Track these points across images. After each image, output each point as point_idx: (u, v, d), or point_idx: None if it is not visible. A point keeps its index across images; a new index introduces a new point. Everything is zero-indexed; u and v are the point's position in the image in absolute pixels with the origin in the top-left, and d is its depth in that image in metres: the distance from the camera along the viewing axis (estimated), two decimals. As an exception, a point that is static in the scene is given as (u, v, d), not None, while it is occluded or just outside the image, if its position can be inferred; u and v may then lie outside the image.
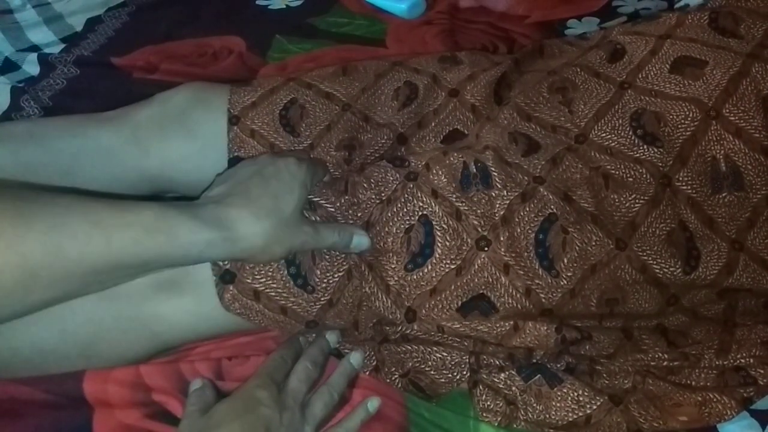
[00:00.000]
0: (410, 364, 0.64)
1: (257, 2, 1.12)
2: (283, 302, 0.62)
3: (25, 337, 0.60)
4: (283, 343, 0.64)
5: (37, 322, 0.60)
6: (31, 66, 0.97)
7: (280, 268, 0.62)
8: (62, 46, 1.01)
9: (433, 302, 0.63)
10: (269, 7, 1.11)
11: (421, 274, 0.62)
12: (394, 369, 0.64)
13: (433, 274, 0.62)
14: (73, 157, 0.70)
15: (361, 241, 0.62)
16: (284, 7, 1.11)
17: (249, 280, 0.61)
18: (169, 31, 1.05)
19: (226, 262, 0.61)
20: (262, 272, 0.62)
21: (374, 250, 0.63)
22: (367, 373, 0.64)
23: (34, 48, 1.01)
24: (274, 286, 0.62)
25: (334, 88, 0.76)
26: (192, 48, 1.01)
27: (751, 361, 0.64)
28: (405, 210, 0.63)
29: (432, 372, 0.64)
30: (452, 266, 0.62)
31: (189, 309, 0.62)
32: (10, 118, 0.88)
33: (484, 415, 0.61)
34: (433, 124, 0.73)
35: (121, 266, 0.51)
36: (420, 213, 0.63)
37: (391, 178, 0.65)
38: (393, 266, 0.63)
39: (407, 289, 0.63)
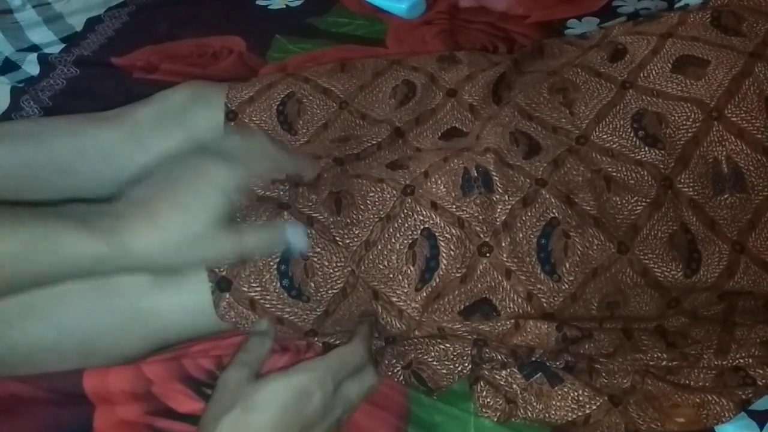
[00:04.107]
0: (412, 355, 0.64)
1: (257, 2, 1.12)
2: (279, 313, 0.62)
3: (22, 333, 0.60)
4: (360, 335, 0.60)
5: (32, 318, 0.60)
6: (31, 66, 0.97)
7: (273, 280, 0.61)
8: (62, 46, 1.01)
9: (435, 306, 0.62)
10: (269, 7, 1.11)
11: (430, 289, 0.62)
12: (395, 361, 0.64)
13: (442, 285, 0.62)
14: (72, 156, 0.70)
15: (295, 237, 0.59)
16: (284, 7, 1.11)
17: (245, 288, 0.61)
18: (169, 31, 1.04)
19: (222, 269, 0.61)
20: (257, 281, 0.61)
21: (378, 273, 0.62)
22: None
23: (34, 48, 1.01)
24: (269, 297, 0.61)
25: (331, 84, 0.75)
26: (192, 48, 1.01)
27: (750, 361, 0.63)
28: (406, 225, 0.62)
29: (434, 363, 0.64)
30: (458, 275, 0.62)
31: (186, 304, 0.62)
32: (10, 118, 0.88)
33: (484, 411, 0.61)
34: (430, 122, 0.73)
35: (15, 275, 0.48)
36: (422, 227, 0.62)
37: (388, 196, 0.64)
38: (405, 290, 0.62)
39: (423, 313, 0.62)
